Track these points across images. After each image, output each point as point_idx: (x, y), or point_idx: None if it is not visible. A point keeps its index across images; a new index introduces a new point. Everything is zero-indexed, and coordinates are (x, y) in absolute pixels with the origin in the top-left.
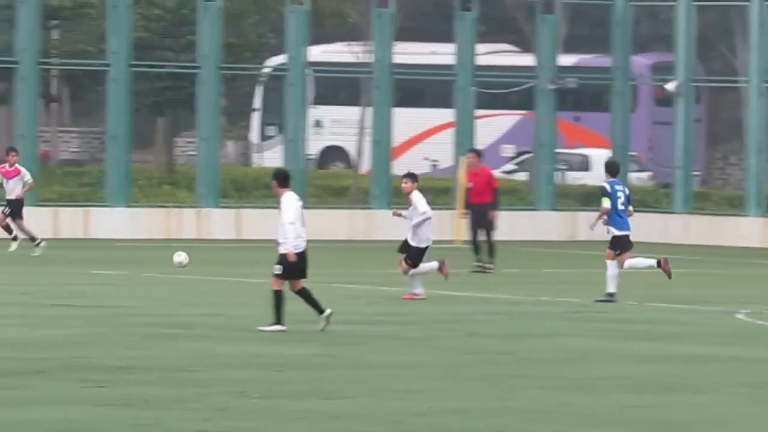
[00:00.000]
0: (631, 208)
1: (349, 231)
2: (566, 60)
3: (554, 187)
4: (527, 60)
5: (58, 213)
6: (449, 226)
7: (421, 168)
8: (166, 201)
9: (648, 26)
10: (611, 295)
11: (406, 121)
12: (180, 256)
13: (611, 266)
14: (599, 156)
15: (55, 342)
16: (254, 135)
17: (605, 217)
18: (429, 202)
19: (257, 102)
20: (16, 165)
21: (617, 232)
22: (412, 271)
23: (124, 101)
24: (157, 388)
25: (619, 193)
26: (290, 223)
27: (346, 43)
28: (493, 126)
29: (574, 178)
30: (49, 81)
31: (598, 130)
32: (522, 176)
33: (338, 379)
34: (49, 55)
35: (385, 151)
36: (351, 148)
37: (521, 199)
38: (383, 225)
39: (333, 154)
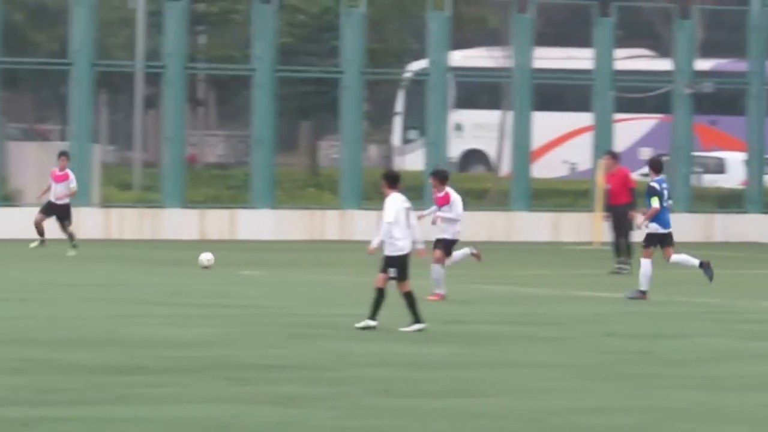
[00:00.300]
0: (671, 202)
1: (488, 232)
2: (703, 64)
3: (690, 190)
4: (664, 65)
5: (204, 215)
6: (587, 227)
7: (559, 171)
8: (309, 203)
9: None
10: (643, 292)
11: (545, 124)
12: (206, 256)
13: (646, 264)
14: (735, 159)
15: (201, 341)
16: (396, 138)
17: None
18: (569, 205)
19: (399, 106)
20: (66, 170)
21: (662, 230)
22: (448, 260)
23: (269, 105)
24: (299, 387)
25: (665, 192)
26: (387, 222)
27: (486, 48)
28: (631, 129)
29: (710, 180)
30: (195, 85)
31: (733, 134)
32: None
33: (478, 378)
34: (196, 60)
35: (524, 155)
36: (491, 151)
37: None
38: (523, 227)
39: (473, 157)
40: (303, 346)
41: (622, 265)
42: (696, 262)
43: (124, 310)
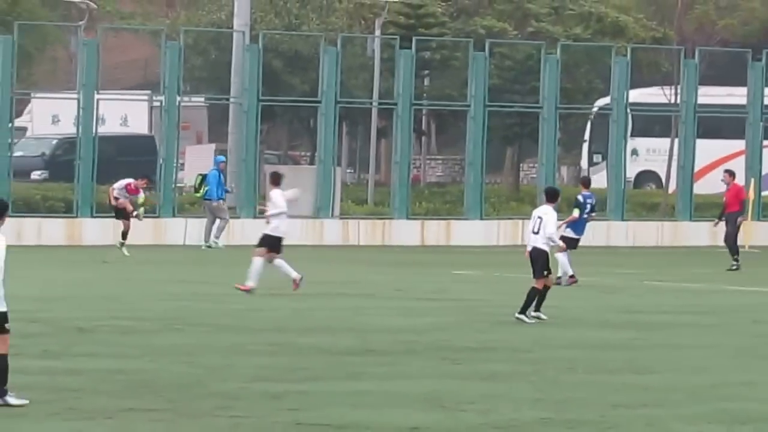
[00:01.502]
0: (594, 214)
1: (657, 239)
2: None
3: None
4: None
5: (424, 225)
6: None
7: (718, 188)
8: (513, 214)
9: None
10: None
11: (706, 150)
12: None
13: (563, 256)
14: None
15: (422, 328)
16: (584, 161)
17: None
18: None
19: (587, 135)
20: (141, 189)
21: (574, 236)
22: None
23: (480, 134)
24: (502, 365)
25: (588, 205)
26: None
27: (659, 87)
28: None
29: None
30: (420, 119)
31: None
32: None
33: (649, 358)
34: (421, 98)
35: (688, 174)
36: (661, 171)
37: None
38: (686, 234)
39: (646, 176)
40: (506, 331)
41: (735, 263)
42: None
43: (357, 302)
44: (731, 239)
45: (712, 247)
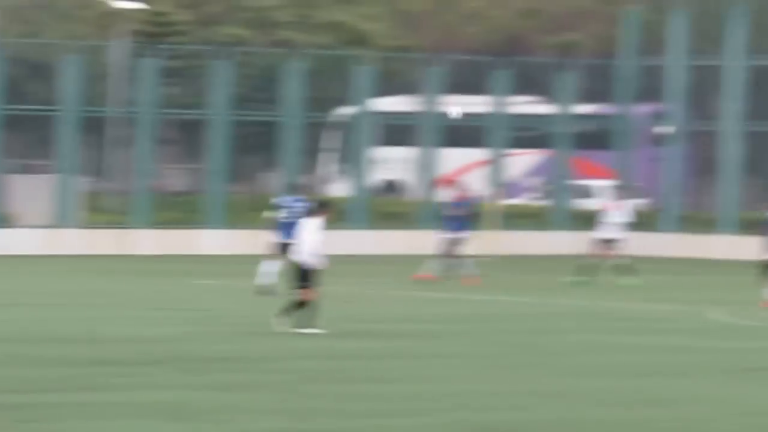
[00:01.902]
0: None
1: (405, 247)
2: (583, 109)
3: (569, 212)
4: (551, 109)
5: (166, 234)
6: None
7: None
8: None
9: (649, 81)
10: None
11: (451, 158)
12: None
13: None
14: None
15: (163, 338)
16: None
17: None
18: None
19: (328, 143)
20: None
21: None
22: None
23: (222, 143)
24: (243, 375)
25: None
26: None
27: (405, 95)
28: (521, 162)
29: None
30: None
31: (605, 165)
32: (544, 202)
33: (393, 367)
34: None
35: (431, 182)
36: (407, 179)
37: (541, 221)
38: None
39: (392, 185)
40: (246, 341)
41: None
42: None
43: (96, 313)
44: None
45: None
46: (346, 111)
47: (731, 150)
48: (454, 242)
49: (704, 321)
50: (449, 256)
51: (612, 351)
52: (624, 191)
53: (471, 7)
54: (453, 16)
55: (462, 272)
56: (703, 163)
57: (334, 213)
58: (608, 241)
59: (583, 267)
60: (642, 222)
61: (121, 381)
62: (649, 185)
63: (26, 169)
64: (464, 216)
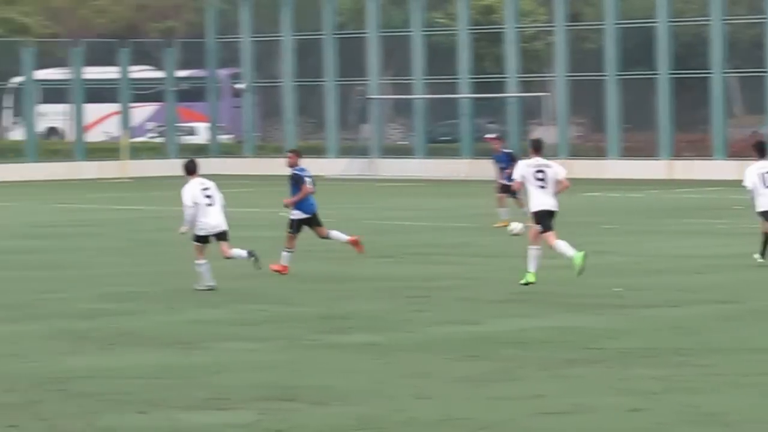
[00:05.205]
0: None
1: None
2: (182, 73)
3: (178, 145)
4: (161, 74)
5: None
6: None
7: (101, 137)
8: None
9: (227, 52)
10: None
11: (93, 111)
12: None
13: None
14: (201, 127)
15: None
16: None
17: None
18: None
19: (9, 103)
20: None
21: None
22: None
23: None
24: None
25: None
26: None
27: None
28: (141, 112)
29: (188, 139)
30: None
31: (201, 113)
32: (159, 139)
33: (53, 260)
34: None
35: (80, 128)
36: (64, 127)
37: (158, 152)
38: (81, 170)
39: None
40: None
41: None
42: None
43: None
44: None
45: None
46: (17, 80)
47: (288, 98)
48: None
49: (278, 218)
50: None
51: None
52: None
53: (99, 3)
54: (86, 11)
55: None
56: (268, 108)
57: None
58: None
59: None
60: (231, 151)
61: None
62: (234, 125)
63: None
64: None
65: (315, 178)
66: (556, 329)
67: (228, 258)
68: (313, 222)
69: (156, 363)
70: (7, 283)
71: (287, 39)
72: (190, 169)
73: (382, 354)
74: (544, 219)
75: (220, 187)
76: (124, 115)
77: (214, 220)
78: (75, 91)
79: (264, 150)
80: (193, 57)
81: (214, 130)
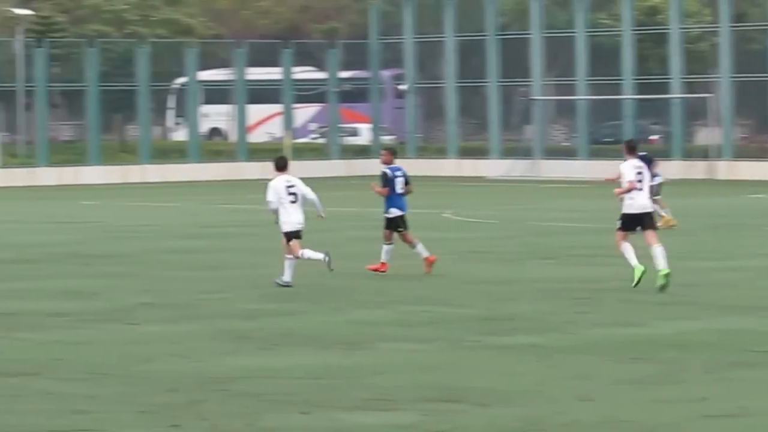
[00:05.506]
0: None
1: (224, 175)
2: (345, 74)
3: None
4: (323, 75)
5: (62, 170)
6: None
7: (264, 138)
8: (121, 161)
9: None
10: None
11: (256, 112)
12: None
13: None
14: (364, 128)
15: (67, 242)
16: (169, 123)
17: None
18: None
19: (171, 103)
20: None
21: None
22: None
23: (96, 105)
24: (120, 267)
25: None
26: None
27: (221, 69)
28: (304, 113)
29: (351, 140)
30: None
31: (363, 113)
32: (322, 140)
33: (218, 259)
34: (53, 81)
35: (243, 129)
36: (226, 127)
37: (321, 153)
38: (243, 170)
39: (215, 132)
40: (124, 245)
41: None
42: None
43: (10, 226)
44: None
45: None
46: (181, 81)
47: (450, 99)
48: None
49: (440, 219)
50: None
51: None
52: None
53: (262, 5)
54: (249, 12)
55: None
56: (430, 109)
57: None
58: None
59: None
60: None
61: (35, 273)
62: (396, 126)
63: None
64: None
65: (410, 178)
66: (719, 331)
67: (297, 258)
68: (402, 223)
69: (318, 363)
70: (170, 283)
71: (450, 40)
72: (280, 166)
73: (545, 356)
74: (634, 222)
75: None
76: (287, 115)
77: (297, 217)
78: (238, 92)
79: (426, 151)
80: (355, 58)
81: (377, 131)
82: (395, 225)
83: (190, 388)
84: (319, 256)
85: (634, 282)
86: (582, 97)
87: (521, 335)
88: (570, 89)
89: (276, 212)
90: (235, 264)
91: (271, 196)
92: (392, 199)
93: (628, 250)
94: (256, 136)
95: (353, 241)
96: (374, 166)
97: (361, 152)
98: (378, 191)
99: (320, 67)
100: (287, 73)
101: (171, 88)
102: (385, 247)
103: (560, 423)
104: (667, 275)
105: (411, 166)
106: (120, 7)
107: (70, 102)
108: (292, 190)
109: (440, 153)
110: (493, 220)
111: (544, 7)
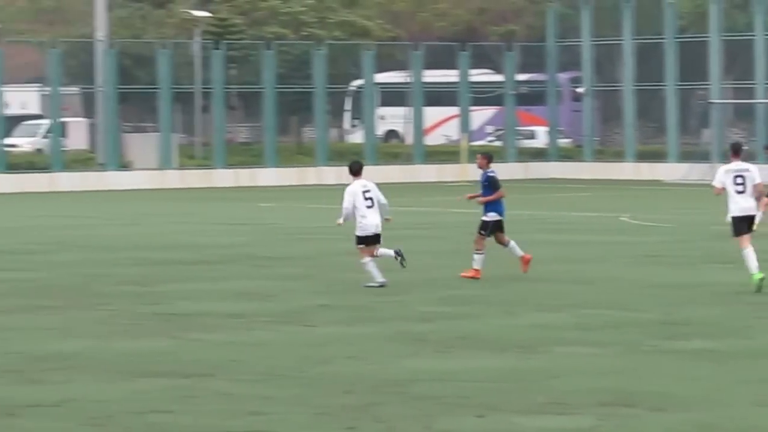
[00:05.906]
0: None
1: (401, 176)
2: (522, 77)
3: (516, 149)
4: (500, 77)
5: (237, 172)
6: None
7: (440, 140)
8: (298, 164)
9: (567, 55)
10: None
11: (431, 114)
12: None
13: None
14: (541, 131)
15: (238, 243)
16: (346, 125)
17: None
18: (449, 160)
19: (347, 105)
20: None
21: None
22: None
23: (272, 107)
24: (299, 269)
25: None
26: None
27: (396, 71)
28: (481, 115)
29: (528, 143)
30: (230, 98)
31: (540, 116)
32: (498, 143)
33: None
34: (230, 83)
35: (419, 131)
36: (401, 130)
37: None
38: (420, 174)
39: (391, 134)
40: (296, 246)
41: None
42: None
43: (194, 227)
44: None
45: (438, 182)
46: (357, 83)
47: (628, 102)
48: None
49: (617, 223)
50: None
51: (554, 245)
52: None
53: (439, 7)
54: (427, 14)
55: None
56: (608, 112)
57: None
58: None
59: None
60: (570, 155)
61: (212, 274)
62: (573, 129)
63: (138, 130)
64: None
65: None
66: None
67: (375, 256)
68: (499, 226)
69: (494, 366)
70: (347, 285)
71: (627, 42)
72: (354, 170)
73: (722, 360)
74: (742, 223)
75: (562, 190)
76: (464, 118)
77: (372, 221)
78: (414, 95)
79: (603, 154)
80: (532, 60)
81: (554, 134)
82: (491, 229)
83: (366, 390)
84: (391, 252)
85: (754, 288)
86: (761, 100)
87: (698, 340)
88: (749, 92)
89: (350, 216)
90: (411, 266)
91: (347, 201)
92: (493, 202)
93: (749, 255)
94: (433, 139)
95: (539, 244)
96: (551, 169)
97: (538, 155)
98: (482, 200)
99: (497, 69)
100: (464, 75)
101: (347, 90)
102: (476, 257)
103: (737, 428)
104: (761, 279)
105: (588, 169)
106: (297, 9)
107: (247, 104)
108: (368, 195)
109: (617, 156)
110: (670, 224)
111: (723, 9)
